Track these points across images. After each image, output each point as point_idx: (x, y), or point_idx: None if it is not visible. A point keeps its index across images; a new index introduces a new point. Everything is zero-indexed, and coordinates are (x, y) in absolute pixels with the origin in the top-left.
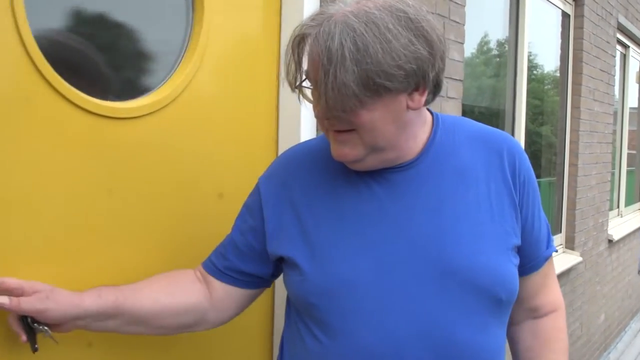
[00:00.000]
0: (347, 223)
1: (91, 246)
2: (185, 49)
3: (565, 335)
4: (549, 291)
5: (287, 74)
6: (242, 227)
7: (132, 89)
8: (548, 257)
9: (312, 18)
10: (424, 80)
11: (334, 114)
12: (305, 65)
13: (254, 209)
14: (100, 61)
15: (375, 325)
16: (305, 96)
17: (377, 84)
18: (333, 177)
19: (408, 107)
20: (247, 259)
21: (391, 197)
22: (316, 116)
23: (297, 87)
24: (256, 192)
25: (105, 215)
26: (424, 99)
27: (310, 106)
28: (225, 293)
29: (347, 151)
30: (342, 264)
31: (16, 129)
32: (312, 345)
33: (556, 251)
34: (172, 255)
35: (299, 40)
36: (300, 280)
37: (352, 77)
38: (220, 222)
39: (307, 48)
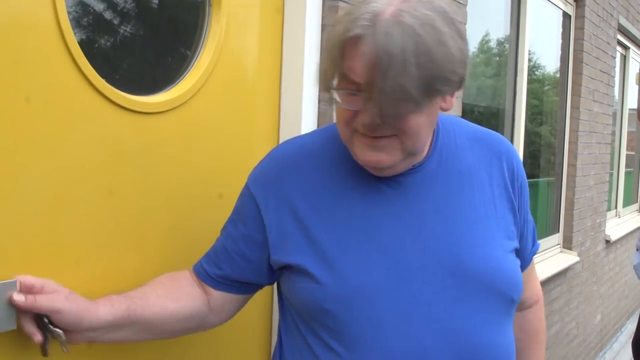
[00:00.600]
0: (358, 227)
1: (95, 244)
2: (204, 43)
3: (544, 324)
4: (532, 284)
5: (325, 74)
6: (234, 235)
7: (154, 84)
8: (534, 254)
9: (359, 16)
10: (460, 82)
11: (386, 120)
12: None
13: (249, 216)
14: (128, 55)
15: (400, 334)
16: (337, 100)
17: (435, 89)
18: (339, 179)
19: (441, 109)
20: (241, 269)
21: (402, 201)
22: (346, 120)
23: (333, 89)
24: (249, 197)
25: (109, 212)
26: (453, 100)
27: (311, 103)
28: (223, 299)
29: (384, 157)
30: (357, 270)
31: (52, 123)
32: (328, 358)
33: (539, 246)
34: (171, 255)
35: (349, 40)
36: (313, 288)
37: (414, 82)
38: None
39: (359, 49)
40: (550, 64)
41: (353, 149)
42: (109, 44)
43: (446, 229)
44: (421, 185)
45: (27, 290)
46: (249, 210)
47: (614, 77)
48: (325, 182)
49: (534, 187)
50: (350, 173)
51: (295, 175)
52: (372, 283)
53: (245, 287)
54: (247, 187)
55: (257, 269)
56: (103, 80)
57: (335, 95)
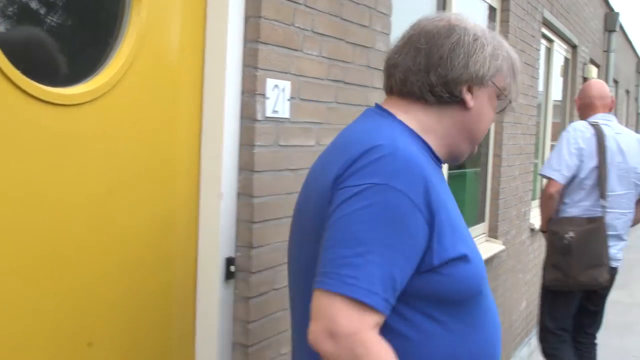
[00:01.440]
0: (457, 213)
1: (16, 242)
2: (124, 34)
3: None
4: None
5: (508, 88)
6: (411, 254)
7: (72, 75)
8: None
9: (503, 43)
10: None
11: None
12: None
13: (417, 230)
14: (44, 45)
15: (492, 303)
16: (511, 108)
17: None
18: (440, 177)
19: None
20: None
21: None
22: (492, 121)
23: (509, 100)
24: (410, 208)
25: (27, 206)
26: None
27: (234, 95)
28: None
29: None
30: (476, 251)
31: None
32: (468, 333)
33: None
34: (94, 250)
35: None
36: (472, 274)
37: None
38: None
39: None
40: None
41: (475, 145)
42: (27, 34)
43: None
44: None
45: None
46: (415, 223)
47: (539, 69)
48: (436, 178)
49: (461, 177)
50: (437, 170)
51: (427, 176)
52: (481, 261)
53: None
54: (406, 198)
55: None
56: (18, 72)
57: (506, 104)
